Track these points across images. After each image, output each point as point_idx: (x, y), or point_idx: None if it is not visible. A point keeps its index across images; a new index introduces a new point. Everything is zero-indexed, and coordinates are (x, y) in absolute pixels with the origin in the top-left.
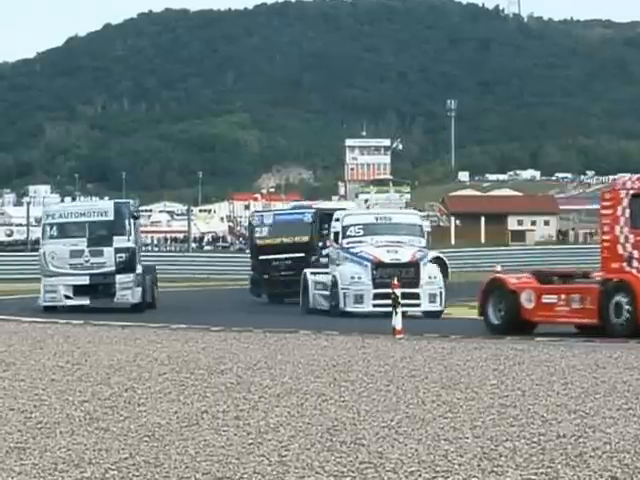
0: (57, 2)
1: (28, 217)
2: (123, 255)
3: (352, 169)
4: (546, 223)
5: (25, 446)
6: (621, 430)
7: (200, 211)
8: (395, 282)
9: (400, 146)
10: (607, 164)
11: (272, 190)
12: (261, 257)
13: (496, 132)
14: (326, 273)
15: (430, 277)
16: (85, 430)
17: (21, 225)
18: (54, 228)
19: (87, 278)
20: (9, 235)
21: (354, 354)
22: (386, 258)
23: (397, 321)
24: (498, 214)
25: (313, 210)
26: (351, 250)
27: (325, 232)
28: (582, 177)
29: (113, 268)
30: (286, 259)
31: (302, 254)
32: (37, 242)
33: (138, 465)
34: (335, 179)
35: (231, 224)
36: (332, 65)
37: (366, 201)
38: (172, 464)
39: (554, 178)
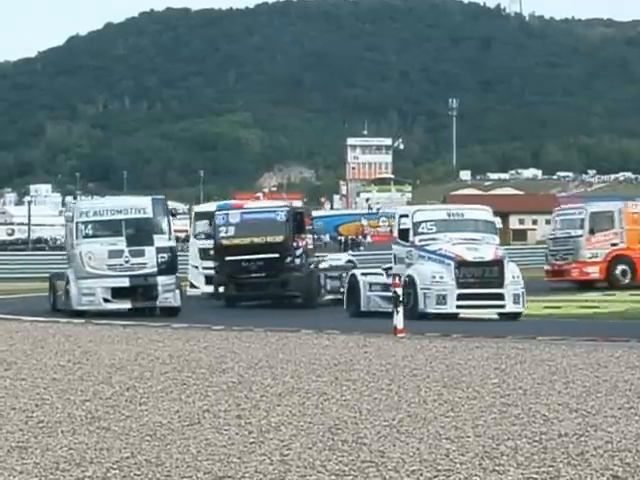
0: (58, 1)
1: (29, 216)
2: (165, 255)
3: (354, 168)
4: (548, 222)
5: (27, 445)
6: (622, 429)
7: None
8: (396, 281)
9: (401, 145)
10: (608, 163)
11: (274, 189)
12: (228, 258)
13: (497, 131)
14: (379, 274)
15: (514, 276)
16: (86, 429)
17: (22, 224)
18: (89, 226)
19: (127, 280)
20: (10, 234)
21: (355, 353)
22: (469, 256)
23: (398, 320)
24: (499, 213)
25: (287, 208)
26: (427, 248)
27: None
28: (583, 176)
29: (155, 269)
30: (258, 260)
31: (276, 255)
32: (38, 241)
33: (140, 464)
34: (337, 178)
35: None
36: (334, 64)
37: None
38: (174, 463)
39: (555, 177)
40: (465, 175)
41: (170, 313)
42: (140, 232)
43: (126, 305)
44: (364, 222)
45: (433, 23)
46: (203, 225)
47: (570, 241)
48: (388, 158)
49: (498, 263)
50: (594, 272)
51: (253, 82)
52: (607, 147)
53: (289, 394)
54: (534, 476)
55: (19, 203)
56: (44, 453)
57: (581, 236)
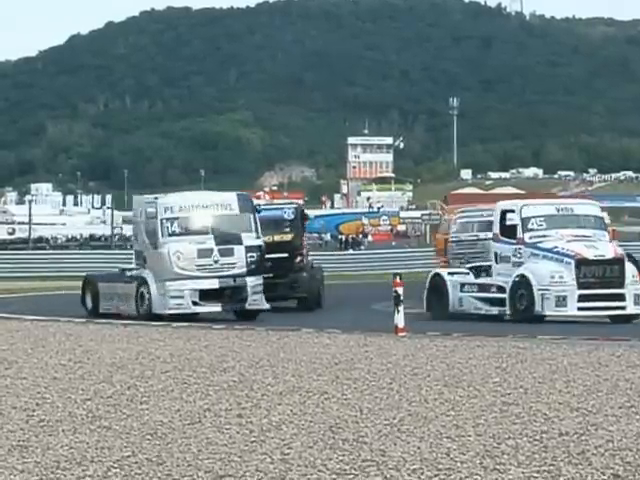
0: (59, 0)
1: (30, 215)
2: (254, 254)
3: (354, 167)
4: None
5: (27, 444)
6: (623, 428)
7: None
8: (397, 280)
9: (402, 144)
10: (609, 162)
11: (275, 188)
12: None
13: (498, 130)
14: (466, 273)
15: (633, 275)
16: (87, 428)
17: (23, 223)
18: (175, 223)
19: (216, 281)
20: (11, 233)
21: (356, 352)
22: (589, 254)
23: (399, 319)
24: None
25: (295, 206)
26: (541, 245)
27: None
28: (584, 175)
29: (244, 269)
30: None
31: (285, 254)
32: (39, 240)
33: (140, 463)
34: (337, 177)
35: None
36: (334, 63)
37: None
38: (174, 462)
39: (556, 176)
40: (466, 174)
41: (251, 316)
42: (228, 230)
43: (216, 308)
44: (365, 221)
45: (434, 22)
46: None
47: (478, 244)
48: (389, 157)
49: (619, 262)
50: None
51: (254, 81)
52: (608, 146)
53: (290, 393)
54: (535, 475)
55: (20, 202)
56: (45, 452)
57: (491, 239)
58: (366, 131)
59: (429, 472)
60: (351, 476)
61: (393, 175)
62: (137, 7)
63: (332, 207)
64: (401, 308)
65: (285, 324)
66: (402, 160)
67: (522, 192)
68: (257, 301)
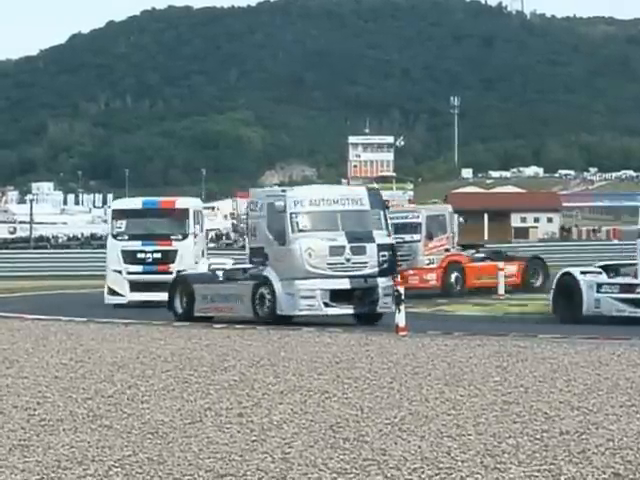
0: None
1: (31, 214)
2: (386, 253)
3: (355, 166)
4: (549, 220)
5: (28, 443)
6: (624, 427)
7: (204, 208)
8: (398, 279)
9: (402, 142)
10: (610, 161)
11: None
12: None
13: (499, 129)
14: (598, 272)
15: None
16: (88, 427)
17: (24, 222)
18: (305, 218)
19: (347, 281)
20: (12, 232)
21: (357, 351)
22: None
23: (400, 318)
24: (501, 211)
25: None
26: None
27: None
28: (585, 174)
29: (376, 269)
30: None
31: None
32: (41, 239)
33: (141, 462)
34: (338, 176)
35: (234, 221)
36: (335, 62)
37: None
38: (175, 461)
39: (557, 175)
40: (467, 173)
41: (374, 319)
42: (360, 226)
43: (348, 310)
44: None
45: (435, 21)
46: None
47: (405, 246)
48: (390, 156)
49: None
50: (432, 279)
51: (255, 80)
52: (609, 145)
53: (291, 392)
54: (535, 474)
55: (21, 201)
56: (46, 451)
57: (418, 241)
58: (367, 130)
59: (430, 471)
60: (352, 475)
61: (394, 174)
62: (138, 6)
63: None
64: (402, 307)
65: (286, 323)
66: (403, 159)
67: (523, 191)
68: (388, 304)
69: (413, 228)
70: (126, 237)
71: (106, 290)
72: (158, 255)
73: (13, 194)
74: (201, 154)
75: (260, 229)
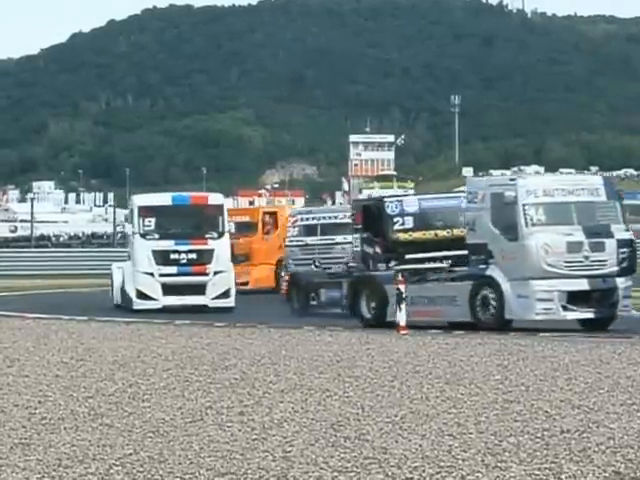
0: None
1: (32, 213)
2: (626, 250)
3: (356, 165)
4: None
5: (29, 442)
6: (625, 425)
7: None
8: (399, 278)
9: (402, 141)
10: (611, 160)
11: (276, 186)
12: (408, 257)
13: (500, 128)
14: None
15: None
16: (89, 426)
17: (25, 221)
18: (540, 210)
19: (585, 282)
20: (13, 231)
21: (358, 350)
22: None
23: (401, 317)
24: None
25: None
26: None
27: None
28: (586, 173)
29: (615, 268)
30: (445, 258)
31: (464, 251)
32: (42, 238)
33: (142, 461)
34: (339, 175)
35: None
36: (336, 61)
37: None
38: (176, 460)
39: (558, 174)
40: (467, 172)
41: (602, 325)
42: (597, 220)
43: (588, 315)
44: None
45: (435, 20)
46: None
47: (336, 248)
48: (390, 155)
49: None
50: None
51: (255, 79)
52: (609, 144)
53: (292, 391)
54: (536, 472)
55: (22, 200)
56: (47, 450)
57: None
58: (368, 129)
59: (431, 469)
60: (353, 474)
61: (395, 173)
62: (139, 5)
63: (333, 205)
64: (403, 306)
65: (287, 322)
66: (403, 158)
67: None
68: (627, 307)
69: (336, 228)
70: (156, 236)
71: (134, 294)
72: (193, 255)
73: (14, 193)
74: (202, 153)
75: (482, 223)
